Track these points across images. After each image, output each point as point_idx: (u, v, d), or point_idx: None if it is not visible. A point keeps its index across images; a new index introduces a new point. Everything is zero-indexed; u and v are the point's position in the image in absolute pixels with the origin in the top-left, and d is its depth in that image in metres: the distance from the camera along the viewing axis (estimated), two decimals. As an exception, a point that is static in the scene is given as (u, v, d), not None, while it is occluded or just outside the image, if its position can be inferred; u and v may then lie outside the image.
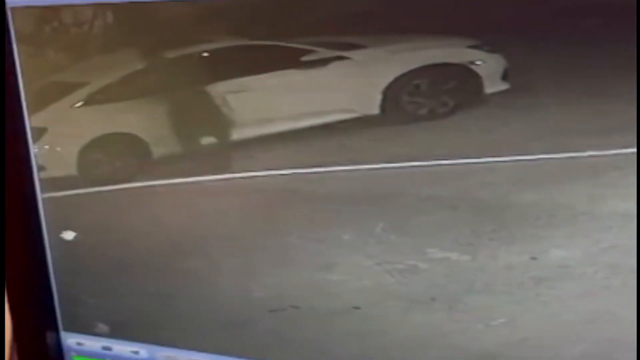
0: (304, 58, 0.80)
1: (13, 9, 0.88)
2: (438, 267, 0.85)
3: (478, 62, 0.74)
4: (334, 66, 0.79)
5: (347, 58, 0.79)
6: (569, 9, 0.70)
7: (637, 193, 0.73)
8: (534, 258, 0.80)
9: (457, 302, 0.86)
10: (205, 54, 0.84)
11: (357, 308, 0.90)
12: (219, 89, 0.85)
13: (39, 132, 0.95)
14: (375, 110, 0.79)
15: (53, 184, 0.98)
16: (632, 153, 0.72)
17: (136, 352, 1.05)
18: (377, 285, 0.88)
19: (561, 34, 0.71)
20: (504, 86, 0.74)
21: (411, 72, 0.77)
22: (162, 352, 1.04)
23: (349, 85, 0.80)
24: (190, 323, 1.00)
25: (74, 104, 0.92)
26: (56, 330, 1.08)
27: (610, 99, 0.72)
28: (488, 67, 0.74)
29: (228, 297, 0.96)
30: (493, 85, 0.74)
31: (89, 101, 0.91)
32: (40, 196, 0.99)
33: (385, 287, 0.88)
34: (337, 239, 0.88)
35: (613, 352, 0.81)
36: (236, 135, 0.86)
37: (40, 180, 0.98)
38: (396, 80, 0.78)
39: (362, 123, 0.81)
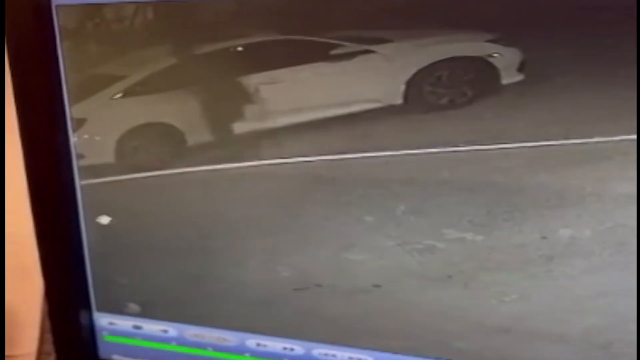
0: (333, 52, 0.85)
1: (58, 6, 0.93)
2: (454, 246, 0.90)
3: (495, 55, 0.80)
4: (361, 59, 0.85)
5: (374, 52, 0.84)
6: (582, 3, 0.75)
7: (637, 186, 0.78)
8: (544, 237, 0.86)
9: (472, 280, 0.91)
10: (240, 49, 0.90)
11: (378, 286, 0.95)
12: (252, 81, 0.90)
13: (79, 123, 1.00)
14: (398, 100, 0.85)
15: (91, 171, 1.03)
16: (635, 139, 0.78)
17: (165, 331, 1.10)
18: (397, 265, 0.93)
19: (573, 27, 0.76)
20: (519, 77, 0.79)
21: (433, 64, 0.83)
22: (191, 330, 1.09)
23: (374, 76, 0.85)
24: (217, 302, 1.05)
25: (113, 95, 0.97)
26: (89, 310, 1.13)
27: (616, 88, 0.78)
28: (505, 59, 0.80)
29: (254, 277, 1.01)
30: (509, 77, 0.80)
31: (127, 93, 0.97)
32: (78, 183, 1.04)
33: (405, 266, 0.93)
34: (359, 221, 0.93)
35: (619, 324, 0.87)
36: (267, 124, 0.91)
37: (79, 167, 1.03)
38: (419, 72, 0.83)
39: (386, 112, 0.86)
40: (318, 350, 1.02)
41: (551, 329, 0.89)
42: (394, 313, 0.96)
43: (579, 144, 0.80)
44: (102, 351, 1.14)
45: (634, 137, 0.78)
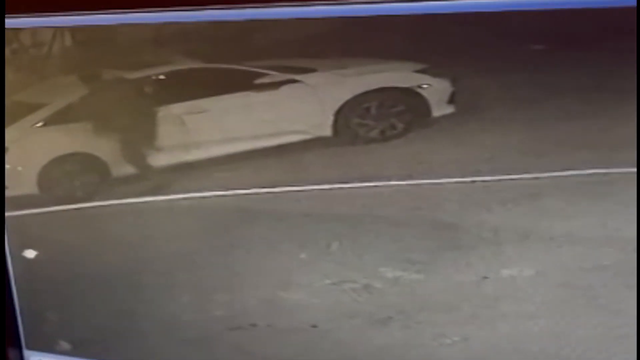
0: (258, 81, 0.81)
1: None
2: (392, 285, 0.86)
3: (425, 86, 0.76)
4: (286, 89, 0.81)
5: (299, 81, 0.80)
6: (513, 35, 0.71)
7: (637, 197, 0.73)
8: (485, 277, 0.81)
9: (412, 320, 0.86)
10: (164, 77, 0.85)
11: (315, 326, 0.91)
12: (176, 111, 0.86)
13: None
14: (327, 132, 0.81)
15: (14, 203, 0.98)
16: (574, 175, 0.74)
17: (98, 370, 1.05)
18: (334, 304, 0.89)
19: (505, 58, 0.72)
20: (450, 109, 0.75)
21: (361, 95, 0.79)
22: (124, 369, 1.04)
23: (301, 107, 0.81)
24: (149, 340, 1.01)
25: (34, 124, 0.93)
26: (19, 348, 1.08)
27: (552, 120, 0.74)
28: (435, 90, 0.76)
29: (187, 314, 0.97)
30: (440, 109, 0.76)
31: (49, 121, 0.92)
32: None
33: (342, 305, 0.89)
34: (293, 258, 0.89)
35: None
36: (193, 155, 0.87)
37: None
38: (347, 102, 0.79)
39: (315, 144, 0.82)
40: (252, 392, 0.97)
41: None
42: (331, 355, 0.91)
43: (514, 179, 0.76)
44: (32, 391, 1.09)
45: (571, 173, 0.73)
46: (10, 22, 0.85)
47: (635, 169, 0.71)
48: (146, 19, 0.80)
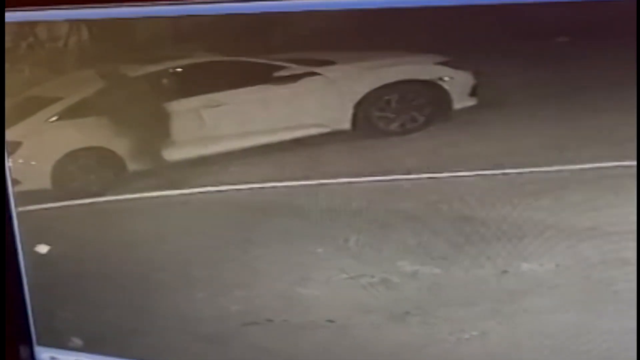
0: (277, 74, 0.80)
1: (-10, 24, 0.89)
2: (410, 280, 0.85)
3: (446, 79, 0.75)
4: (306, 82, 0.80)
5: (319, 74, 0.79)
6: (536, 28, 0.71)
7: (637, 196, 0.73)
8: (505, 271, 0.81)
9: (430, 316, 0.86)
10: (180, 70, 0.85)
11: (331, 321, 0.90)
12: (193, 104, 0.85)
13: (14, 146, 0.95)
14: (346, 125, 0.80)
15: (27, 197, 0.98)
16: (599, 167, 0.73)
17: (110, 366, 1.05)
18: (351, 299, 0.88)
19: (528, 51, 0.72)
20: (472, 102, 0.75)
21: (381, 88, 0.78)
22: (136, 366, 1.04)
23: (321, 100, 0.80)
24: (163, 336, 1.00)
25: (49, 118, 0.92)
26: (30, 344, 1.08)
27: (576, 114, 0.73)
28: (456, 83, 0.75)
29: (202, 311, 0.96)
30: (461, 101, 0.75)
31: (63, 115, 0.92)
32: (14, 210, 0.98)
33: (359, 300, 0.88)
34: (310, 252, 0.88)
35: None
36: (210, 149, 0.87)
37: (15, 193, 0.97)
38: (367, 95, 0.78)
39: (334, 138, 0.81)
40: (268, 387, 0.96)
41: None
42: (348, 350, 0.91)
43: (537, 172, 0.75)
44: (43, 387, 1.09)
45: (596, 165, 0.73)
46: (21, 15, 0.85)
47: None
48: (163, 12, 0.80)
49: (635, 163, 0.72)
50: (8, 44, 0.90)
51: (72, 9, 0.84)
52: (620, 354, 0.78)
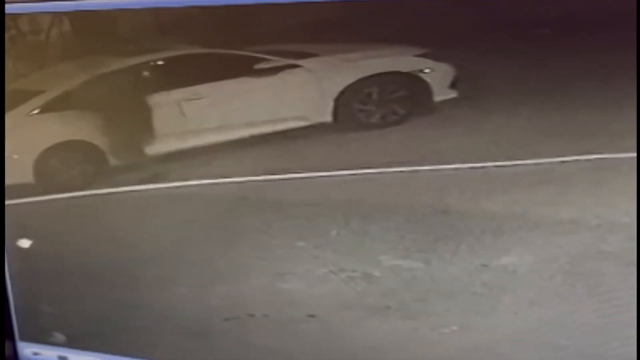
0: (258, 66, 0.80)
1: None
2: (392, 274, 0.85)
3: (426, 71, 0.75)
4: (286, 74, 0.80)
5: (299, 66, 0.79)
6: (517, 19, 0.71)
7: (637, 195, 0.73)
8: (484, 265, 0.81)
9: (411, 310, 0.86)
10: (161, 62, 0.85)
11: (312, 316, 0.90)
12: (175, 97, 0.85)
13: (-5, 140, 0.95)
14: (327, 118, 0.80)
15: (10, 191, 0.97)
16: (579, 160, 0.73)
17: (92, 362, 1.05)
18: (332, 294, 0.88)
19: (509, 43, 0.72)
20: (452, 94, 0.75)
21: (362, 80, 0.78)
22: (119, 361, 1.03)
23: (301, 93, 0.80)
24: (145, 331, 1.00)
25: (31, 111, 0.92)
26: (12, 339, 1.07)
27: (555, 107, 0.73)
28: (436, 75, 0.75)
29: (185, 305, 0.96)
30: (442, 94, 0.75)
31: (45, 109, 0.91)
32: (-4, 204, 0.98)
33: (340, 295, 0.88)
34: (291, 246, 0.88)
35: (565, 358, 0.81)
36: (191, 143, 0.86)
37: (-3, 188, 0.97)
38: (348, 88, 0.78)
39: (315, 131, 0.81)
40: (250, 383, 0.96)
41: (493, 362, 0.83)
42: (329, 345, 0.91)
43: (516, 166, 0.75)
44: (26, 383, 1.08)
45: (577, 158, 0.73)
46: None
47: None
48: (144, 4, 0.80)
49: (617, 155, 0.72)
50: (-11, 36, 0.89)
51: (53, 1, 0.84)
52: (599, 347, 0.78)
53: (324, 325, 0.90)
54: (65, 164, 0.93)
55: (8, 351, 1.07)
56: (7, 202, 0.97)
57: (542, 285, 0.80)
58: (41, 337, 1.06)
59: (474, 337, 0.84)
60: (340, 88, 0.78)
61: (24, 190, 0.96)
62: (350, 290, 0.87)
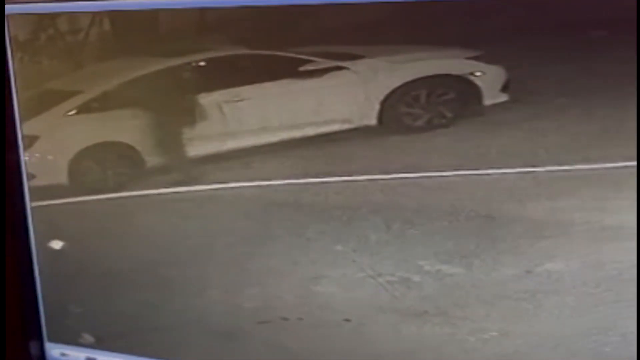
0: (302, 68, 0.80)
1: (10, 15, 0.88)
2: (431, 279, 0.84)
3: (478, 74, 0.75)
4: (332, 76, 0.79)
5: (346, 68, 0.79)
6: (571, 22, 0.70)
7: (637, 197, 0.73)
8: (528, 271, 0.80)
9: (450, 316, 0.85)
10: (202, 63, 0.84)
11: (348, 320, 0.89)
12: (215, 98, 0.84)
13: (31, 140, 0.94)
14: (372, 121, 0.79)
15: (43, 192, 0.97)
16: (626, 167, 0.73)
17: (121, 364, 1.04)
18: (369, 298, 0.88)
19: (562, 46, 0.71)
20: (503, 98, 0.74)
21: (410, 82, 0.77)
22: (148, 364, 1.03)
23: (347, 95, 0.80)
24: (176, 334, 0.99)
25: (67, 112, 0.91)
26: (40, 340, 1.07)
27: (607, 110, 0.73)
28: (488, 78, 0.74)
29: (217, 308, 0.96)
30: (492, 97, 0.74)
31: (82, 109, 0.91)
32: (29, 205, 0.98)
33: (377, 299, 0.88)
34: (328, 250, 0.87)
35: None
36: (231, 145, 0.86)
37: (30, 188, 0.97)
38: (394, 90, 0.78)
39: (359, 134, 0.81)
40: (283, 387, 0.95)
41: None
42: (364, 350, 0.90)
43: (565, 170, 0.74)
44: (53, 384, 1.08)
45: (625, 164, 0.72)
46: (41, 6, 0.85)
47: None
48: (186, 3, 0.79)
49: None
50: (28, 35, 0.89)
51: (92, 0, 0.84)
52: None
53: (359, 329, 0.89)
54: (100, 166, 0.92)
55: (35, 351, 1.06)
56: (40, 202, 0.97)
57: (586, 292, 0.79)
58: (69, 338, 1.05)
59: (514, 343, 0.84)
60: (387, 91, 0.77)
61: (57, 191, 0.96)
62: (388, 295, 0.86)
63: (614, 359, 0.80)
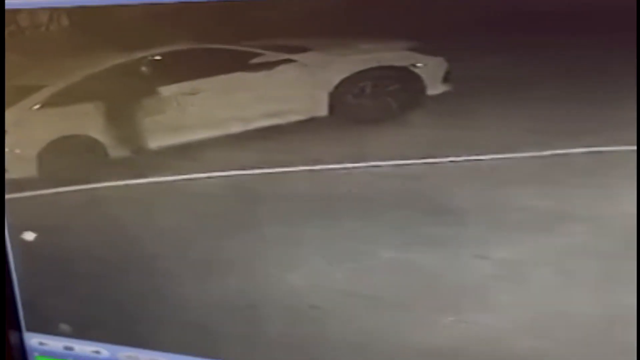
0: (253, 61, 0.81)
1: (-30, 12, 0.89)
2: (390, 266, 0.85)
3: (419, 65, 0.75)
4: (282, 69, 0.80)
5: (294, 61, 0.79)
6: (509, 13, 0.71)
7: (637, 193, 0.73)
8: (482, 257, 0.81)
9: (409, 301, 0.87)
10: (160, 57, 0.85)
11: (315, 307, 0.91)
12: (172, 91, 0.85)
13: (-1, 135, 0.96)
14: (323, 112, 0.80)
15: (13, 185, 0.98)
16: (570, 154, 0.73)
17: (97, 352, 1.06)
18: (332, 285, 0.89)
19: (501, 37, 0.72)
20: (445, 88, 0.75)
21: (356, 74, 0.78)
22: (124, 351, 1.05)
23: (297, 87, 0.81)
24: (150, 322, 1.01)
25: (32, 106, 0.92)
26: (19, 330, 1.09)
27: (545, 101, 0.73)
28: (429, 69, 0.75)
29: (187, 297, 0.97)
30: (435, 87, 0.75)
31: (47, 104, 0.92)
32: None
33: (340, 286, 0.89)
34: (290, 238, 0.89)
35: (559, 349, 0.82)
36: (189, 136, 0.87)
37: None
38: (342, 82, 0.78)
39: (311, 125, 0.82)
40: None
41: (489, 351, 0.85)
42: (332, 335, 0.92)
43: (513, 159, 0.75)
44: (33, 373, 1.10)
45: (567, 151, 0.73)
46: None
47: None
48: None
49: (614, 149, 0.72)
50: (-9, 32, 0.90)
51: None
52: (596, 340, 0.79)
53: (325, 315, 0.91)
54: (67, 158, 0.94)
55: (15, 341, 1.08)
56: (11, 196, 0.98)
57: (540, 278, 0.80)
58: (47, 328, 1.07)
59: (471, 328, 0.85)
60: (335, 82, 0.78)
61: (27, 184, 0.97)
62: (350, 281, 0.87)
63: (566, 340, 0.80)
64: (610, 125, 0.72)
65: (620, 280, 0.76)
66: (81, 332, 1.05)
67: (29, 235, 1.00)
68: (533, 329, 0.82)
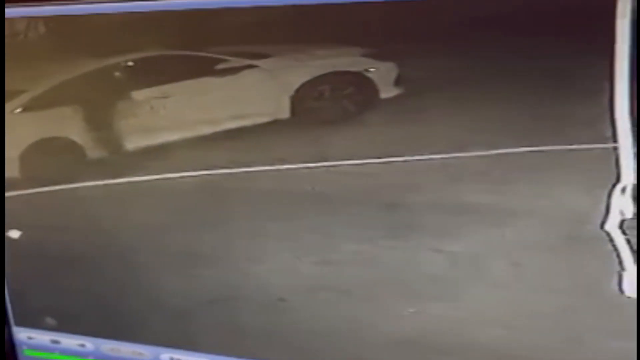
0: (219, 66, 0.85)
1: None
2: (352, 260, 0.89)
3: (372, 69, 0.79)
4: (245, 74, 0.84)
5: (257, 66, 0.84)
6: (454, 21, 0.75)
7: (637, 193, 0.76)
8: (437, 251, 0.85)
9: (371, 293, 0.90)
10: (131, 63, 0.89)
11: (282, 300, 0.95)
12: (144, 95, 0.89)
13: (-18, 138, 0.99)
14: (285, 114, 0.84)
15: (-3, 185, 1.02)
16: (531, 152, 0.77)
17: (82, 345, 1.10)
18: (297, 278, 0.93)
19: (447, 43, 0.76)
20: (397, 91, 0.79)
21: (315, 78, 0.82)
22: (107, 344, 1.08)
23: (260, 91, 0.85)
24: (132, 315, 1.05)
25: (13, 110, 0.96)
26: (8, 325, 1.12)
27: (489, 103, 0.77)
28: (381, 73, 0.79)
29: (165, 289, 1.01)
30: (387, 91, 0.79)
31: (27, 108, 0.96)
32: (-14, 198, 1.03)
33: (305, 279, 0.93)
34: (255, 234, 0.93)
35: (516, 338, 0.86)
36: (162, 138, 0.91)
37: (-15, 182, 1.02)
38: (302, 86, 0.83)
39: (275, 126, 0.86)
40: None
41: (452, 341, 0.88)
42: (299, 326, 0.95)
43: (464, 157, 0.79)
44: (23, 366, 1.14)
45: (528, 149, 0.77)
46: None
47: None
48: (118, 8, 0.85)
49: (564, 147, 0.75)
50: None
51: (30, 6, 0.89)
52: (549, 327, 0.83)
53: (292, 307, 0.94)
54: (48, 160, 0.98)
55: (5, 336, 1.12)
56: (-6, 195, 1.02)
57: (497, 272, 0.83)
58: (35, 323, 1.11)
59: (431, 318, 0.88)
60: (295, 87, 0.82)
61: (11, 184, 1.01)
62: (314, 274, 0.91)
63: (523, 332, 0.84)
64: (547, 127, 0.75)
65: (566, 270, 0.80)
66: (66, 326, 1.09)
67: (14, 234, 1.04)
68: (490, 318, 0.85)
